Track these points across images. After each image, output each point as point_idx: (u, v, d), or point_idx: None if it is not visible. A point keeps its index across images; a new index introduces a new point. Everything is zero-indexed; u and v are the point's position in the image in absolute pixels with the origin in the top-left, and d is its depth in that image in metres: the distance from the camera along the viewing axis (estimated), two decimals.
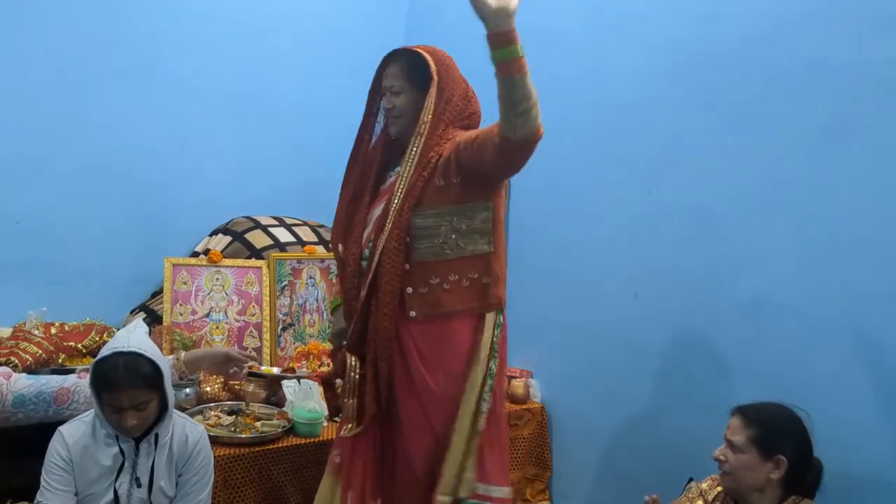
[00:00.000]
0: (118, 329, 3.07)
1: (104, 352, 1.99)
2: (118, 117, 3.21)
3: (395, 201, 2.15)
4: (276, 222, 3.48)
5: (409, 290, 2.13)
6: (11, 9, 2.96)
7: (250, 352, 3.10)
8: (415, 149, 2.15)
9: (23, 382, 2.19)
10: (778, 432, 1.98)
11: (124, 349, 1.97)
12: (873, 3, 2.29)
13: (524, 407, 3.16)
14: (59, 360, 2.79)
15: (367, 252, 2.21)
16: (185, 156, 3.41)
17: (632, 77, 2.96)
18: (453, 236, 2.14)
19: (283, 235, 3.40)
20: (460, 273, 2.15)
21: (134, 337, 2.04)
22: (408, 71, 2.22)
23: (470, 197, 2.15)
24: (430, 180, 2.12)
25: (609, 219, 3.00)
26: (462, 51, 3.52)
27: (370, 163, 2.32)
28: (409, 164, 2.15)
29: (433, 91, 2.16)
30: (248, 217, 3.46)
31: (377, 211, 2.23)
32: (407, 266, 2.13)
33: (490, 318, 2.18)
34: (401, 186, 2.15)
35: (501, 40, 1.83)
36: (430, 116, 2.14)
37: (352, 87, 3.82)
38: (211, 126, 3.48)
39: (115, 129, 3.21)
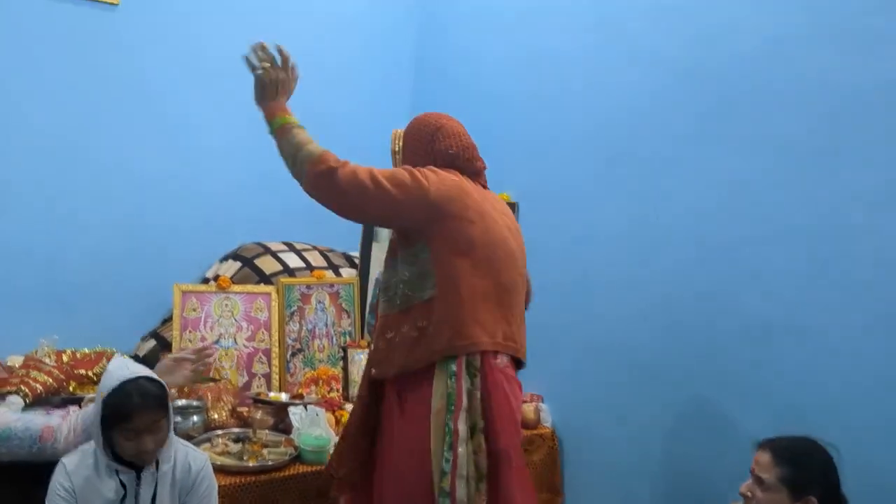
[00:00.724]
0: (131, 356, 3.11)
1: (109, 385, 1.99)
2: (127, 146, 3.26)
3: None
4: (285, 247, 3.49)
5: (371, 346, 2.17)
6: (22, 42, 3.01)
7: (259, 378, 3.11)
8: None
9: (9, 417, 2.18)
10: (809, 472, 1.94)
11: (130, 377, 2.00)
12: (870, 23, 2.27)
13: (535, 432, 3.13)
14: (70, 388, 2.80)
15: None
16: (194, 182, 3.44)
17: (632, 98, 2.95)
18: (401, 286, 2.10)
19: (293, 261, 3.41)
20: (409, 323, 2.06)
21: (131, 364, 2.09)
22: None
23: (406, 242, 2.12)
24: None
25: (616, 241, 2.98)
26: (471, 71, 3.55)
27: None
28: None
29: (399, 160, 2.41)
30: (257, 243, 3.48)
31: None
32: (374, 321, 2.20)
33: (439, 372, 2.02)
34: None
35: (266, 118, 2.20)
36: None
37: (359, 112, 3.91)
38: (219, 152, 3.51)
39: (123, 158, 3.25)
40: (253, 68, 2.15)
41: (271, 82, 2.16)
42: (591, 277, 3.08)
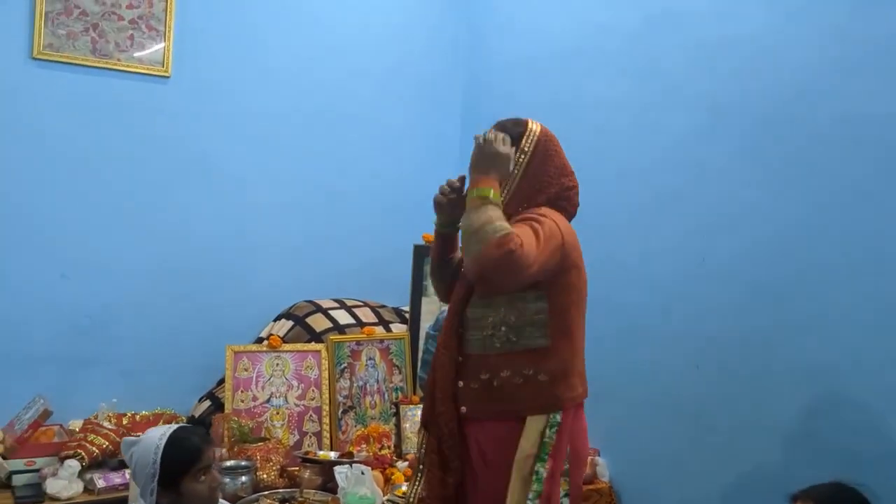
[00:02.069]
0: (187, 418, 3.18)
1: (155, 444, 2.04)
2: (182, 212, 3.38)
3: (457, 289, 2.14)
4: (336, 305, 3.53)
5: (461, 383, 2.05)
6: (76, 112, 3.16)
7: (310, 436, 3.12)
8: None
9: None
10: None
11: (169, 430, 2.09)
12: None
13: (591, 487, 3.03)
14: None
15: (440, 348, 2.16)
16: (247, 245, 3.53)
17: (678, 139, 2.89)
18: (503, 329, 2.02)
19: (343, 318, 3.44)
20: (511, 369, 2.01)
21: (162, 426, 2.19)
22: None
23: (520, 288, 2.01)
24: None
25: (663, 285, 2.91)
26: (520, 77, 3.49)
27: None
28: None
29: (521, 168, 2.10)
30: (309, 301, 3.52)
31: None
32: (460, 358, 2.06)
33: (537, 421, 2.00)
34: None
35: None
36: (509, 194, 2.09)
37: (406, 170, 3.95)
38: (271, 214, 3.59)
39: (177, 225, 3.36)
40: (477, 137, 2.03)
41: (488, 154, 1.99)
42: (638, 325, 3.00)
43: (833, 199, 2.37)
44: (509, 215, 2.01)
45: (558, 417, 2.00)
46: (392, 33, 3.93)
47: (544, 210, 2.05)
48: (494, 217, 1.87)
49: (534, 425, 1.99)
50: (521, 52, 3.76)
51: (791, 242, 2.49)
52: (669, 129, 2.93)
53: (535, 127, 2.12)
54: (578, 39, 3.39)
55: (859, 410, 2.28)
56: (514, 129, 2.11)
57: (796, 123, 2.47)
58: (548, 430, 1.99)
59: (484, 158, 1.99)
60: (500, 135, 2.03)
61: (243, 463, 2.77)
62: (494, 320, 2.03)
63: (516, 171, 2.08)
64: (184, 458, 2.03)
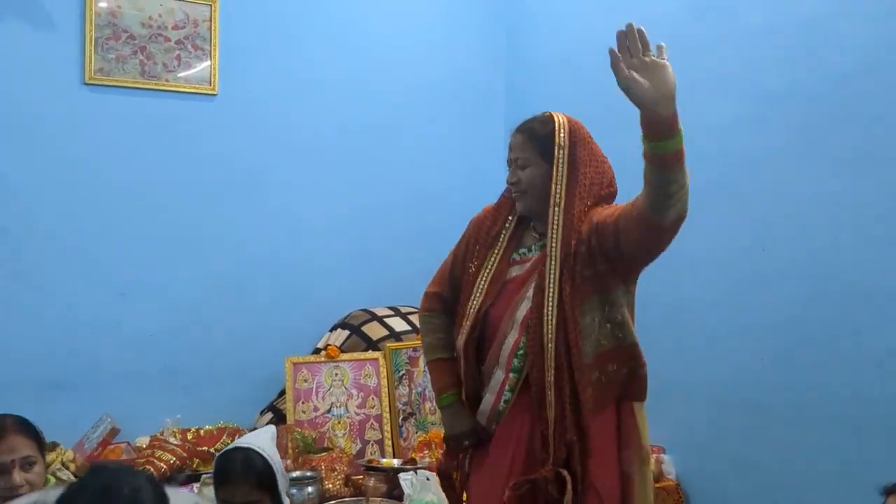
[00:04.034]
0: (249, 430, 3.20)
1: (227, 448, 2.07)
2: (235, 228, 3.41)
3: (551, 298, 1.93)
4: (391, 312, 3.53)
5: (579, 385, 1.92)
6: (128, 134, 3.22)
7: (372, 445, 3.13)
8: (554, 237, 1.95)
9: None
10: None
11: (243, 445, 2.06)
12: None
13: (658, 486, 2.97)
14: (193, 465, 2.91)
15: (505, 345, 2.02)
16: (299, 257, 3.55)
17: (733, 129, 2.84)
18: (608, 325, 1.96)
19: (398, 325, 3.44)
20: (618, 363, 1.98)
21: (256, 437, 2.14)
22: (535, 140, 2.02)
23: (613, 284, 1.96)
24: (575, 269, 1.92)
25: (722, 277, 2.86)
26: (563, 87, 3.47)
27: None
28: (552, 258, 1.94)
29: (564, 163, 1.98)
30: (364, 310, 3.54)
31: (522, 304, 2.02)
32: (572, 362, 1.92)
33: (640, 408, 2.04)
34: (552, 284, 1.93)
35: (662, 130, 1.65)
36: (562, 193, 1.96)
37: (456, 172, 3.94)
38: (320, 227, 3.61)
39: (233, 240, 3.41)
40: (660, 46, 1.68)
41: (672, 81, 1.64)
42: (696, 315, 2.95)
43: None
44: (587, 207, 1.95)
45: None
46: (435, 47, 3.93)
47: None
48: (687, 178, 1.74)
49: (642, 417, 2.02)
50: (563, 55, 3.72)
51: (851, 228, 2.45)
52: (726, 118, 2.87)
53: (562, 119, 2.05)
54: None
55: None
56: (544, 127, 2.03)
57: (851, 107, 2.41)
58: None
59: (670, 85, 1.63)
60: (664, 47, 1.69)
61: (308, 473, 2.78)
62: (600, 319, 1.95)
63: (562, 166, 1.98)
64: (216, 477, 2.00)
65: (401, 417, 3.22)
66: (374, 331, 3.39)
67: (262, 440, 2.09)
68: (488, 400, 2.07)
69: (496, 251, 2.10)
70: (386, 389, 3.23)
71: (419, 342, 3.34)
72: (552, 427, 1.91)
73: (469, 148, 4.00)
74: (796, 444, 2.60)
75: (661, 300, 3.01)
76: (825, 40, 2.51)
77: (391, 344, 3.31)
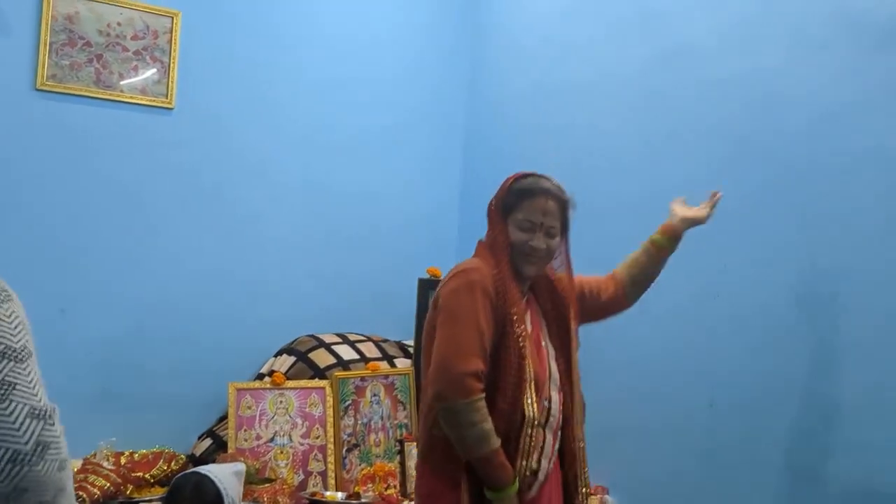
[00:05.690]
0: (187, 456, 3.10)
1: (186, 472, 2.03)
2: (183, 245, 3.33)
3: (575, 352, 2.12)
4: (339, 339, 3.48)
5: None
6: (78, 143, 3.13)
7: (315, 476, 3.06)
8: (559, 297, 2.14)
9: None
10: None
11: (201, 470, 2.02)
12: None
13: None
14: (127, 492, 2.80)
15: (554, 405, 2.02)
16: (248, 278, 3.48)
17: (693, 179, 2.89)
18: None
19: (347, 353, 3.38)
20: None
21: (220, 468, 2.18)
22: (564, 211, 2.07)
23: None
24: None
25: (674, 324, 2.89)
26: (524, 127, 3.47)
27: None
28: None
29: (567, 238, 2.12)
30: (311, 335, 3.47)
31: (552, 365, 2.05)
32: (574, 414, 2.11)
33: None
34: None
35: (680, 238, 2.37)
36: (566, 263, 2.14)
37: (410, 206, 3.92)
38: (272, 247, 3.55)
39: (179, 257, 3.32)
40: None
41: None
42: (648, 360, 2.98)
43: (848, 238, 2.38)
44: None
45: None
46: (396, 68, 3.91)
47: None
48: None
49: None
50: (527, 85, 3.76)
51: (806, 283, 2.49)
52: (682, 162, 2.92)
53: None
54: (589, 74, 3.39)
55: (882, 452, 2.26)
56: (563, 195, 2.12)
57: (812, 162, 2.48)
58: None
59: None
60: None
61: None
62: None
63: (567, 234, 2.14)
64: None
65: (345, 448, 3.15)
66: (322, 358, 3.33)
67: (224, 472, 2.06)
68: (545, 467, 1.98)
69: (524, 312, 2.02)
70: (332, 419, 3.16)
71: (368, 371, 3.30)
72: (580, 469, 2.10)
73: (427, 181, 3.99)
74: (744, 491, 2.62)
75: (612, 345, 3.04)
76: (787, 92, 2.58)
77: (339, 373, 3.25)
